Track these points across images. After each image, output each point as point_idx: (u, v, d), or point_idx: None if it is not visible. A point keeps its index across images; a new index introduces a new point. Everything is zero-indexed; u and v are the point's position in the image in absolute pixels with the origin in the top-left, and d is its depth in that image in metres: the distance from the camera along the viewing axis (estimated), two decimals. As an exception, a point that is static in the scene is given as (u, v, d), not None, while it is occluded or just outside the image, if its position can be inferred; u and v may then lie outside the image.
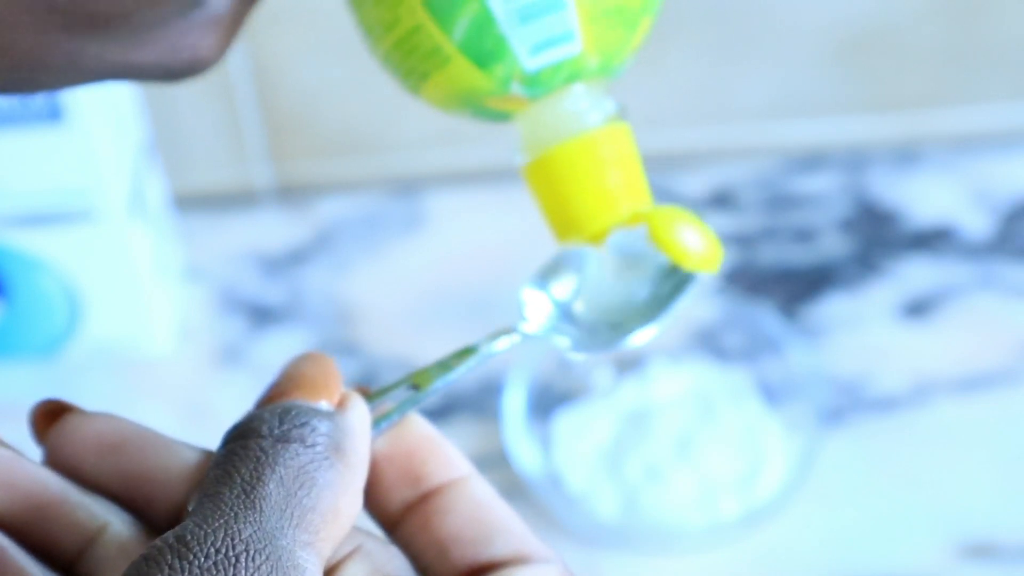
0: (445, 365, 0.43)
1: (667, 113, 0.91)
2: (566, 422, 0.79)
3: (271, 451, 0.35)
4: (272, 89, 0.89)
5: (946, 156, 0.91)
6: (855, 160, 0.91)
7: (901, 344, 0.83)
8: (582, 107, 0.46)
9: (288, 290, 0.88)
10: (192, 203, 0.92)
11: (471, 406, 0.82)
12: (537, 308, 0.49)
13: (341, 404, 0.37)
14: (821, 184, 0.90)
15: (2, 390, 0.85)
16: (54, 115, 0.74)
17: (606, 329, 0.49)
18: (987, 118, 0.91)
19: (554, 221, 0.48)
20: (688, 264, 0.47)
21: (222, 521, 0.33)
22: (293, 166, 0.92)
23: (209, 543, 0.33)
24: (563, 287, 0.50)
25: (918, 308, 0.85)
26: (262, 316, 0.87)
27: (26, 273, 0.81)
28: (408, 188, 0.92)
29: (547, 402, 0.80)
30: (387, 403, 0.40)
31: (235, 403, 0.83)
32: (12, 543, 0.36)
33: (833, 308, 0.85)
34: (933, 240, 0.87)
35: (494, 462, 0.79)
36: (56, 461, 0.38)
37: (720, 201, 0.90)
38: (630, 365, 0.81)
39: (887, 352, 0.83)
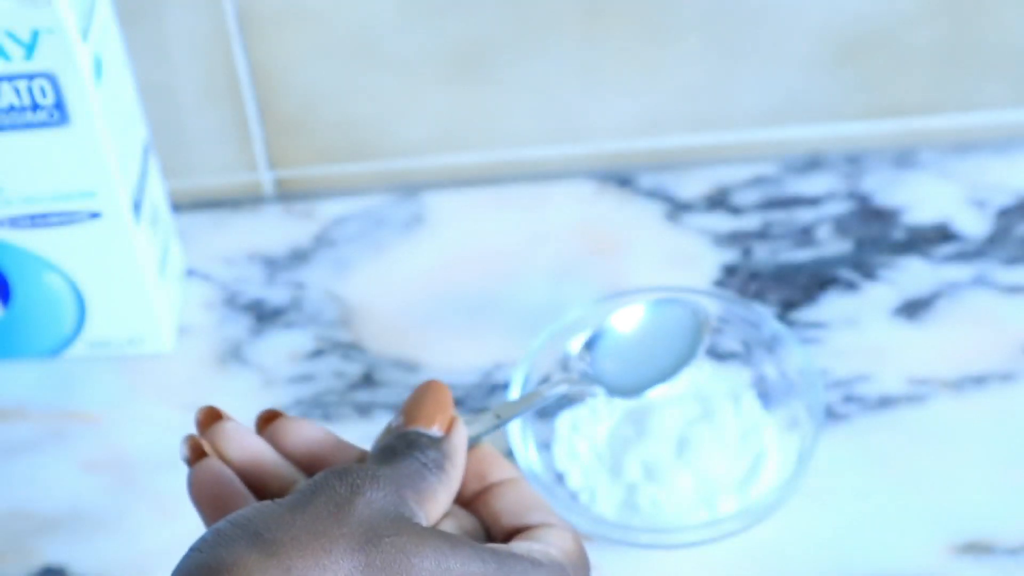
0: (520, 403, 0.65)
1: (667, 115, 0.91)
2: (566, 421, 0.80)
3: (403, 461, 0.55)
4: (273, 91, 0.89)
5: (942, 158, 0.92)
6: (853, 162, 0.92)
7: (898, 344, 0.83)
8: None
9: (289, 290, 0.88)
10: (194, 204, 0.93)
11: (473, 406, 0.82)
12: (583, 363, 0.75)
13: (449, 428, 0.57)
14: (819, 186, 0.91)
15: (8, 389, 0.85)
16: (59, 118, 0.75)
17: (631, 383, 0.74)
18: (983, 121, 0.92)
19: None
20: None
21: (375, 467, 0.54)
22: (294, 167, 0.93)
23: (368, 472, 0.53)
24: (602, 350, 0.75)
25: (915, 308, 0.85)
26: (263, 316, 0.87)
27: (31, 273, 0.82)
28: (408, 189, 0.93)
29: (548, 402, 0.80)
30: (476, 424, 0.61)
31: (236, 401, 0.83)
32: (240, 481, 0.56)
33: (831, 308, 0.85)
34: (930, 241, 0.88)
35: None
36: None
37: (719, 202, 0.90)
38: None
39: (884, 352, 0.83)
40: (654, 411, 0.79)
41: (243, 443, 0.57)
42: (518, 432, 0.77)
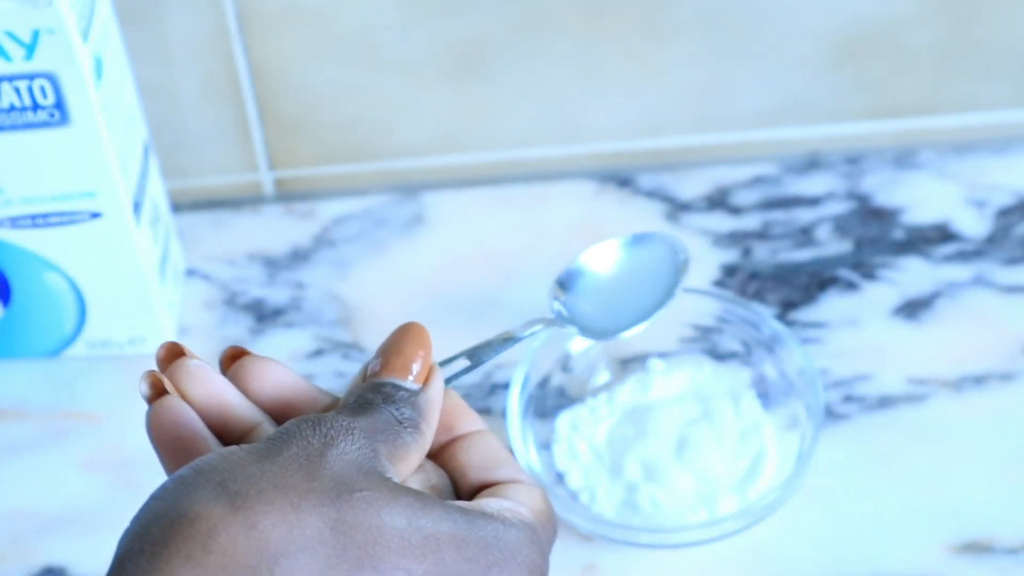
0: (491, 345, 0.62)
1: (667, 115, 0.91)
2: (566, 421, 0.80)
3: (378, 416, 0.52)
4: (273, 91, 0.89)
5: (942, 158, 0.92)
6: (852, 162, 0.92)
7: (898, 344, 0.84)
8: None
9: (289, 290, 0.88)
10: (194, 204, 0.93)
11: (475, 405, 0.82)
12: (557, 304, 0.72)
13: (427, 380, 0.53)
14: (819, 186, 0.91)
15: (8, 389, 0.85)
16: (60, 118, 0.75)
17: (607, 325, 0.71)
18: (983, 121, 0.92)
19: None
20: None
21: (349, 419, 0.51)
22: (294, 167, 0.93)
23: (343, 423, 0.51)
24: (578, 288, 0.72)
25: (915, 308, 0.85)
26: (263, 316, 0.87)
27: (31, 273, 0.82)
28: (408, 189, 0.93)
29: (548, 401, 0.80)
30: (450, 366, 0.59)
31: (237, 402, 0.83)
32: (201, 422, 0.52)
33: (831, 308, 0.85)
34: (929, 241, 0.88)
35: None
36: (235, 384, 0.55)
37: (719, 203, 0.90)
38: (630, 365, 0.82)
39: (884, 352, 0.83)
40: (654, 411, 0.79)
41: (206, 382, 0.53)
42: (518, 432, 0.77)
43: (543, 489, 0.54)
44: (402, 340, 0.54)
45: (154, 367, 0.54)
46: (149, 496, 0.49)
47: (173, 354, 0.54)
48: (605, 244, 0.74)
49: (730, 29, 0.87)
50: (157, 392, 0.53)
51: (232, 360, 0.55)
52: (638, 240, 0.74)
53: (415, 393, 0.53)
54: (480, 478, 0.54)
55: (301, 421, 0.50)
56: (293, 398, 0.54)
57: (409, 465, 0.52)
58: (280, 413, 0.54)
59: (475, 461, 0.54)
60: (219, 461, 0.49)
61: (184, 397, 0.53)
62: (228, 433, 0.53)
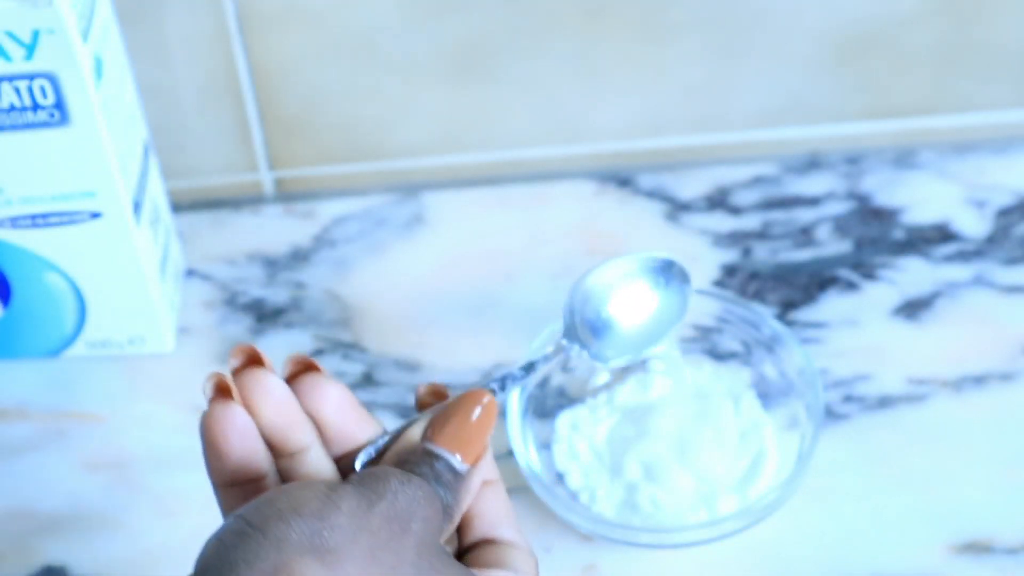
0: (513, 375, 0.63)
1: (667, 115, 0.91)
2: (566, 421, 0.80)
3: (427, 481, 0.54)
4: (273, 91, 0.89)
5: (942, 158, 0.92)
6: (852, 162, 0.92)
7: (898, 344, 0.84)
8: None
9: (289, 290, 0.89)
10: (194, 204, 0.93)
11: (472, 405, 0.82)
12: (569, 328, 0.72)
13: (475, 461, 0.55)
14: (819, 186, 0.91)
15: (8, 389, 0.85)
16: (60, 118, 0.75)
17: (618, 346, 0.73)
18: (983, 121, 0.92)
19: None
20: None
21: (429, 488, 0.53)
22: (294, 167, 0.93)
23: (425, 490, 0.52)
24: (590, 313, 0.73)
25: (915, 308, 0.85)
26: (263, 316, 0.87)
27: (31, 273, 0.82)
28: (408, 189, 0.93)
29: (548, 401, 0.80)
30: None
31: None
32: (260, 438, 0.54)
33: (831, 308, 0.85)
34: (930, 241, 0.88)
35: (497, 460, 0.79)
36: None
37: (719, 202, 0.90)
38: (630, 365, 0.82)
39: (884, 352, 0.83)
40: (654, 411, 0.79)
41: (278, 400, 0.54)
42: (518, 432, 0.77)
43: (535, 555, 0.57)
44: (466, 413, 0.55)
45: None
46: (237, 516, 0.50)
47: (251, 359, 0.55)
48: (633, 284, 0.74)
49: (730, 29, 0.87)
50: (221, 395, 0.54)
51: (299, 370, 0.56)
52: (656, 271, 0.74)
53: (460, 476, 0.54)
54: (484, 532, 0.56)
55: (389, 474, 0.52)
56: (348, 423, 0.56)
57: (441, 533, 0.54)
58: (332, 438, 0.56)
59: (484, 513, 0.56)
60: (314, 506, 0.50)
61: (251, 408, 0.54)
62: (281, 450, 0.55)
